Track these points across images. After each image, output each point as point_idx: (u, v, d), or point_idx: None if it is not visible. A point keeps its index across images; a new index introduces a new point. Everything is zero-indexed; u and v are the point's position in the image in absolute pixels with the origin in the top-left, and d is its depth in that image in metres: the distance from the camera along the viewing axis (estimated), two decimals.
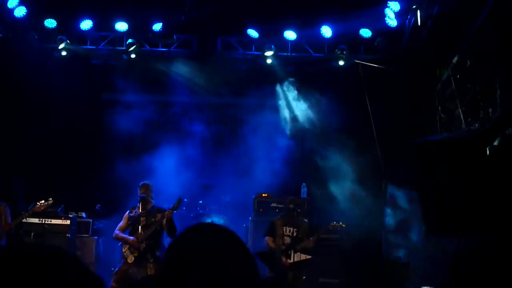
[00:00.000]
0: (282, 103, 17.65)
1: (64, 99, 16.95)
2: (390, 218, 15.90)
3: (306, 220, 14.16)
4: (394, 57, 16.19)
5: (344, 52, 16.62)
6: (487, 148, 8.88)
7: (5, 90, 16.91)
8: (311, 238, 13.55)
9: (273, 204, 15.70)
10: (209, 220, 15.47)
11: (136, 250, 12.43)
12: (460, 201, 8.94)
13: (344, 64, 16.74)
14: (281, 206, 15.50)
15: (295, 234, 13.60)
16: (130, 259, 12.38)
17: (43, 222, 15.24)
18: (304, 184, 16.35)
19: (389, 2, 15.39)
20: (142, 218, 12.59)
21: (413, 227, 15.10)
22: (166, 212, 12.28)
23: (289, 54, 16.96)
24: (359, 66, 16.27)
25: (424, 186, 9.86)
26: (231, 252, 2.42)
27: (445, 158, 9.38)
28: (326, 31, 16.33)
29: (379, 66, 16.18)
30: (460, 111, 12.26)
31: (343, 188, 16.53)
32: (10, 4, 16.08)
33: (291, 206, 13.84)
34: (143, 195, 12.68)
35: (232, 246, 2.45)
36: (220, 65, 17.11)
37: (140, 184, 12.94)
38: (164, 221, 12.23)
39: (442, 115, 13.83)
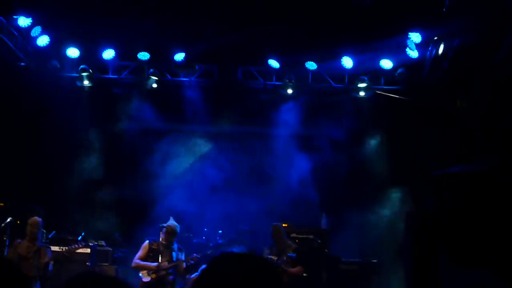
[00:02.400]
0: (300, 131, 17.89)
1: (85, 127, 17.31)
2: None
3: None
4: (415, 88, 16.46)
5: (365, 83, 16.88)
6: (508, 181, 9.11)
7: (27, 119, 17.29)
8: None
9: (293, 234, 15.90)
10: (229, 250, 15.64)
11: (155, 273, 12.84)
12: (483, 233, 9.16)
13: (365, 94, 17.06)
14: (301, 236, 15.66)
15: None
16: (147, 278, 12.82)
17: (63, 250, 15.47)
18: (324, 214, 16.57)
19: (410, 33, 15.70)
20: (164, 251, 13.08)
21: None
22: (184, 266, 13.05)
23: (309, 84, 17.19)
24: (380, 97, 16.58)
25: (445, 217, 10.08)
26: (259, 276, 2.42)
27: (466, 190, 9.61)
28: (347, 62, 16.71)
29: (400, 96, 16.47)
30: (481, 141, 12.51)
31: (363, 219, 16.74)
32: (33, 33, 16.52)
33: None
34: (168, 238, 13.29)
35: (260, 271, 2.45)
36: (241, 95, 17.43)
37: (165, 226, 13.44)
38: (182, 270, 12.93)
39: (463, 146, 14.09)
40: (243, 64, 17.53)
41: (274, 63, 17.04)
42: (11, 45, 16.60)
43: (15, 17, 16.33)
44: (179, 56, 16.97)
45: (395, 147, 16.80)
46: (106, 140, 18.05)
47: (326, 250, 15.22)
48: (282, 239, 14.01)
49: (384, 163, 17.08)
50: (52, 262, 13.48)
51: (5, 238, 15.42)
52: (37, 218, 13.46)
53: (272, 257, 13.90)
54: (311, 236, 14.78)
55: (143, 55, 17.08)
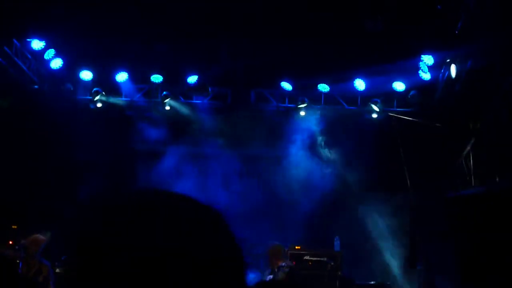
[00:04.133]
0: (314, 155, 18.17)
1: (98, 150, 17.62)
2: None
3: None
4: (427, 110, 16.75)
5: (377, 105, 17.18)
6: None
7: (39, 142, 17.57)
8: None
9: (306, 257, 16.09)
10: None
11: None
12: (496, 252, 9.43)
13: (377, 117, 17.36)
14: (314, 259, 15.82)
15: None
16: None
17: None
18: (337, 237, 16.79)
19: (422, 55, 16.01)
20: None
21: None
22: None
23: (322, 106, 17.52)
24: (392, 119, 16.84)
25: (459, 237, 10.36)
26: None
27: (479, 212, 9.88)
28: (360, 84, 17.02)
29: (412, 119, 16.72)
30: (494, 162, 12.80)
31: (375, 241, 16.95)
32: (46, 56, 16.90)
33: None
34: None
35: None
36: (253, 117, 17.76)
37: None
38: None
39: (475, 168, 14.37)
40: (256, 87, 17.83)
41: (287, 86, 17.42)
42: (24, 68, 17.03)
43: (28, 40, 16.70)
44: (192, 79, 17.30)
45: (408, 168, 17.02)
46: (118, 161, 18.34)
47: (339, 273, 15.44)
48: (278, 259, 14.09)
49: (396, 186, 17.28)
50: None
51: (18, 261, 15.72)
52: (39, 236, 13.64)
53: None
54: (325, 259, 15.04)
55: (156, 78, 17.42)
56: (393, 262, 17.14)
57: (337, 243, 16.97)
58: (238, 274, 1.61)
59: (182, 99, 18.19)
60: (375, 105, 17.47)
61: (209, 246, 1.54)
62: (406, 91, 17.13)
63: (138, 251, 1.44)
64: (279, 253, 14.01)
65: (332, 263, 14.99)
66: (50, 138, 17.78)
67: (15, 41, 16.46)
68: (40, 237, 13.75)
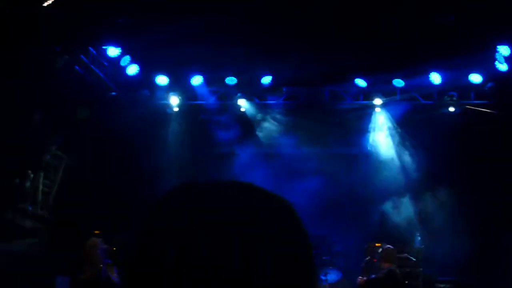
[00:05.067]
0: (390, 151, 18.13)
1: (176, 153, 17.91)
2: None
3: None
4: (506, 102, 16.58)
5: (454, 98, 17.06)
6: None
7: (118, 148, 17.91)
8: None
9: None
10: (322, 274, 15.85)
11: None
12: None
13: (454, 110, 17.23)
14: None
15: None
16: None
17: None
18: (418, 233, 16.73)
19: (498, 46, 15.86)
20: None
21: None
22: None
23: (398, 102, 17.48)
24: (470, 112, 16.75)
25: None
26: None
27: None
28: (435, 78, 16.91)
29: (491, 111, 16.60)
30: None
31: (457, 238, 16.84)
32: (122, 63, 17.21)
33: None
34: None
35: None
36: (328, 115, 17.84)
37: None
38: None
39: None
40: (329, 85, 17.88)
41: (361, 82, 17.47)
42: (101, 75, 17.39)
43: (104, 47, 17.03)
44: (266, 80, 17.46)
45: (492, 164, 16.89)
46: (195, 164, 18.56)
47: (421, 269, 15.42)
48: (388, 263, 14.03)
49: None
50: None
51: (101, 266, 16.05)
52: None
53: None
54: (405, 255, 15.03)
55: (231, 80, 17.64)
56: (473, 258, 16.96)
57: (417, 239, 16.93)
58: (308, 269, 1.53)
59: (257, 100, 18.37)
60: (452, 98, 17.32)
61: (282, 238, 1.49)
62: (483, 83, 16.96)
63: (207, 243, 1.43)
64: (390, 256, 14.00)
65: (414, 260, 14.94)
66: (128, 143, 18.08)
67: (91, 49, 16.83)
68: (96, 240, 13.97)
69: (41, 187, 16.76)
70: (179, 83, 18.09)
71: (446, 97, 17.48)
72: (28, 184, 16.06)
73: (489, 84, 16.94)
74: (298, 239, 1.53)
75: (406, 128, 18.24)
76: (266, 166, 18.61)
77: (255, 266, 1.41)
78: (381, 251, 13.86)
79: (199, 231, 1.44)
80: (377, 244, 16.36)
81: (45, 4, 13.98)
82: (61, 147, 17.12)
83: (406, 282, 14.52)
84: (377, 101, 17.74)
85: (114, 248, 15.94)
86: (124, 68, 17.54)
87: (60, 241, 16.16)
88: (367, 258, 15.23)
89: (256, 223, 1.47)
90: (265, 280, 1.40)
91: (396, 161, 18.40)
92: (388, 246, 13.97)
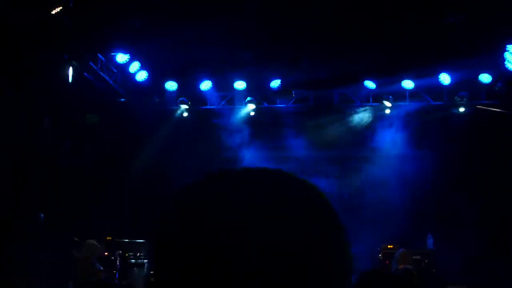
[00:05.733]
0: (401, 152, 18.10)
1: (186, 158, 17.92)
2: None
3: None
4: None
5: (464, 99, 17.04)
6: None
7: (128, 153, 17.93)
8: None
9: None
10: None
11: None
12: None
13: (464, 110, 17.21)
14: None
15: None
16: None
17: None
18: (430, 234, 16.68)
19: (507, 46, 15.82)
20: None
21: None
22: None
23: (407, 103, 17.48)
24: (481, 112, 16.72)
25: None
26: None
27: None
28: (445, 78, 16.90)
29: (501, 110, 16.57)
30: None
31: (469, 239, 16.79)
32: (131, 69, 17.21)
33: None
34: None
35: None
36: (337, 118, 17.85)
37: None
38: None
39: None
40: (338, 87, 17.88)
41: (370, 84, 17.46)
42: (111, 82, 17.42)
43: (113, 54, 17.08)
44: (275, 83, 17.49)
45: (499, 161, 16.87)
46: (207, 169, 18.49)
47: (434, 270, 15.38)
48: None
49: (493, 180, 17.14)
50: None
51: (114, 272, 16.16)
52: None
53: None
54: (418, 257, 14.97)
55: (240, 84, 17.66)
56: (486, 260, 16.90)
57: (430, 241, 16.88)
58: (344, 256, 1.49)
59: (266, 104, 18.38)
60: (462, 98, 17.29)
61: (315, 222, 1.45)
62: (493, 83, 16.94)
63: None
64: (406, 258, 13.93)
65: (426, 261, 14.90)
66: (138, 149, 18.14)
67: (100, 56, 16.88)
68: (93, 242, 13.99)
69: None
70: (188, 89, 18.15)
71: (456, 97, 17.43)
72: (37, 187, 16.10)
73: (499, 84, 16.90)
74: (330, 223, 1.48)
75: (416, 129, 18.16)
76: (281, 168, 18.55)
77: (288, 252, 1.37)
78: (397, 254, 13.81)
79: (230, 219, 1.40)
80: (389, 246, 16.34)
81: (54, 11, 14.04)
82: (71, 152, 17.14)
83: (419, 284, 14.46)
84: (387, 103, 17.68)
85: (127, 254, 16.11)
86: (133, 74, 17.57)
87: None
88: (380, 260, 15.23)
89: (288, 209, 1.43)
90: (298, 263, 1.37)
91: (407, 163, 18.32)
92: (403, 249, 13.90)
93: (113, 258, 15.90)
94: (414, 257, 14.83)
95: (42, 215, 16.04)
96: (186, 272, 1.38)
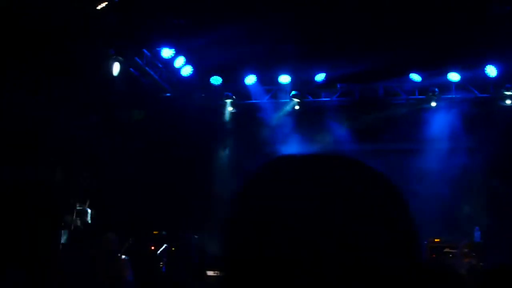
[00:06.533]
0: (448, 146, 17.94)
1: (233, 154, 17.98)
2: None
3: None
4: None
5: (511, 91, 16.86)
6: None
7: (174, 149, 18.03)
8: None
9: (447, 249, 15.90)
10: None
11: None
12: None
13: (511, 103, 17.00)
14: (455, 251, 15.62)
15: None
16: None
17: (218, 274, 15.97)
18: (477, 227, 16.51)
19: None
20: None
21: None
22: None
23: (453, 96, 17.32)
24: None
25: None
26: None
27: None
28: (491, 71, 16.75)
29: None
30: None
31: None
32: (176, 64, 17.28)
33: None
34: None
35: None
36: (383, 111, 17.75)
37: None
38: None
39: None
40: (384, 81, 17.79)
41: (416, 77, 17.41)
42: (156, 77, 17.58)
43: (158, 49, 17.17)
44: (320, 77, 17.45)
45: None
46: (253, 164, 18.53)
47: (481, 264, 15.21)
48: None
49: None
50: None
51: (161, 265, 16.28)
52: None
53: None
54: (466, 250, 14.83)
55: (284, 78, 17.64)
56: None
57: (477, 234, 16.74)
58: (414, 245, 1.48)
59: (311, 98, 18.35)
60: (509, 91, 17.07)
61: (384, 212, 1.44)
62: None
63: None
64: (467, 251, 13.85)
65: (474, 255, 14.75)
66: (184, 144, 18.21)
67: (145, 51, 16.99)
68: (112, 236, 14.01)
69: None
70: (233, 83, 18.22)
71: (503, 89, 17.22)
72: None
73: None
74: (399, 213, 1.49)
75: (463, 122, 17.96)
76: None
77: (356, 242, 1.36)
78: (460, 246, 13.87)
79: (296, 206, 1.39)
80: (436, 240, 16.24)
81: (99, 7, 14.18)
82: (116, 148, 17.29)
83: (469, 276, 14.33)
84: (433, 95, 17.53)
85: (173, 249, 16.24)
86: (178, 69, 17.66)
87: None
88: (427, 253, 15.12)
89: (356, 197, 1.42)
90: (365, 254, 1.36)
91: (454, 156, 18.15)
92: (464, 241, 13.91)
93: (159, 253, 16.06)
94: (464, 250, 14.74)
95: (90, 211, 16.22)
96: (262, 263, 1.37)
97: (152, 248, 17.04)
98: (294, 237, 1.36)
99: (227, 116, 18.86)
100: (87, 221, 16.05)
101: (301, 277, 1.33)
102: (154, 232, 17.32)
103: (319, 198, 1.39)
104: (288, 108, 18.53)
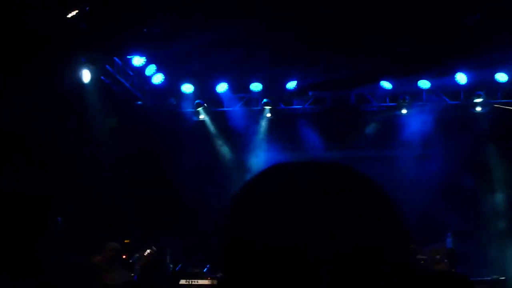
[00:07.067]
0: (419, 153, 18.03)
1: (203, 161, 17.93)
2: None
3: None
4: None
5: (481, 98, 16.97)
6: None
7: (145, 157, 17.96)
8: None
9: (419, 255, 15.97)
10: None
11: None
12: None
13: (481, 110, 17.15)
14: (426, 257, 15.69)
15: None
16: None
17: (190, 283, 15.94)
18: (449, 233, 16.62)
19: None
20: None
21: None
22: None
23: (424, 103, 17.43)
24: (498, 111, 16.66)
25: None
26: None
27: None
28: (461, 78, 16.86)
29: None
30: None
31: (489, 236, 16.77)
32: (148, 72, 17.23)
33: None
34: None
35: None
36: (355, 119, 17.82)
37: None
38: None
39: None
40: (355, 88, 17.88)
41: (386, 85, 17.43)
42: (127, 85, 17.45)
43: (129, 57, 17.10)
44: (291, 84, 17.48)
45: None
46: (230, 171, 18.56)
47: (453, 270, 15.28)
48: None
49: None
50: None
51: (132, 274, 16.11)
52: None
53: None
54: (438, 256, 14.89)
55: (256, 86, 17.65)
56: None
57: (449, 240, 16.85)
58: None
59: (282, 105, 18.35)
60: (479, 98, 17.21)
61: (377, 220, 1.48)
62: (510, 81, 16.84)
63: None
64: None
65: (446, 260, 14.81)
66: (155, 152, 18.15)
67: (116, 59, 16.90)
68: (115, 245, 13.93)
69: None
70: (204, 91, 18.17)
71: (473, 96, 17.36)
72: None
73: None
74: (390, 214, 1.54)
75: (434, 129, 18.07)
76: None
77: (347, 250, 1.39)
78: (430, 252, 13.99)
79: (292, 214, 1.41)
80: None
81: (70, 15, 14.09)
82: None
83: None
84: (404, 103, 17.63)
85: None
86: (149, 77, 17.60)
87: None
88: None
89: (348, 199, 1.46)
90: (360, 255, 1.39)
91: (425, 163, 18.24)
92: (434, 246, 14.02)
93: (131, 262, 15.93)
94: (435, 257, 14.81)
95: (60, 219, 16.05)
96: (259, 265, 1.40)
97: (124, 257, 16.94)
98: (290, 239, 1.38)
99: (197, 123, 18.78)
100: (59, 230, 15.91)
101: (297, 279, 1.37)
102: (126, 241, 17.21)
103: (314, 201, 1.42)
104: (260, 115, 18.49)
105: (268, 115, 18.39)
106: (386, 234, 1.45)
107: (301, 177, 1.52)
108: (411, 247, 1.53)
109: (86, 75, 15.71)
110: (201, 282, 16.20)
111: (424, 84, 17.50)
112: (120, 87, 17.49)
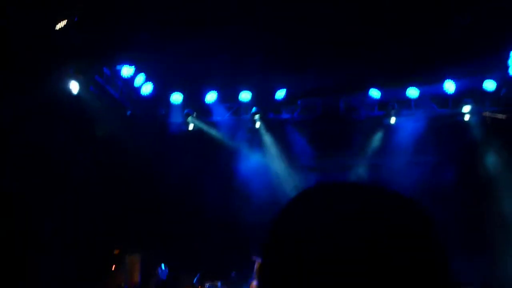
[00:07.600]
0: (407, 160, 18.08)
1: (194, 170, 17.91)
2: None
3: None
4: None
5: (470, 106, 17.02)
6: None
7: (135, 166, 17.93)
8: None
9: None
10: None
11: None
12: None
13: (470, 117, 17.18)
14: None
15: None
16: None
17: None
18: None
19: (511, 52, 15.80)
20: None
21: None
22: None
23: (413, 111, 17.49)
24: (486, 119, 16.72)
25: None
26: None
27: None
28: (449, 86, 16.90)
29: (507, 116, 16.57)
30: None
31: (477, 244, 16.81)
32: (137, 82, 17.21)
33: None
34: None
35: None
36: (344, 127, 17.84)
37: None
38: None
39: None
40: (344, 97, 17.92)
41: (375, 93, 17.44)
42: (116, 95, 17.41)
43: (118, 67, 17.05)
44: (280, 93, 17.49)
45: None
46: (215, 182, 18.55)
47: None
48: None
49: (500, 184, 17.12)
50: None
51: (123, 285, 16.15)
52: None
53: None
54: None
55: (245, 96, 17.65)
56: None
57: None
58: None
59: (272, 114, 18.35)
60: (467, 106, 17.26)
61: (416, 245, 1.43)
62: (498, 89, 16.90)
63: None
64: None
65: None
66: (145, 161, 18.12)
67: (105, 69, 16.87)
68: (136, 256, 14.06)
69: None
70: (193, 101, 18.14)
71: (461, 104, 17.42)
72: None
73: (504, 90, 16.87)
74: (431, 248, 1.47)
75: (423, 137, 18.11)
76: (288, 179, 18.65)
77: (387, 272, 1.35)
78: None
79: (334, 234, 1.39)
80: None
81: (58, 26, 14.06)
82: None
83: None
84: (392, 111, 17.67)
85: None
86: (138, 87, 17.57)
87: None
88: None
89: (392, 228, 1.42)
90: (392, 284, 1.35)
91: (413, 171, 18.27)
92: None
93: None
94: None
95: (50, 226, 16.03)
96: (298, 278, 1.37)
97: (113, 267, 16.94)
98: (333, 260, 1.36)
99: (186, 132, 18.75)
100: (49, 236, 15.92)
101: None
102: (115, 252, 17.21)
103: (356, 224, 1.40)
104: (249, 124, 18.50)
105: (257, 124, 18.38)
106: (433, 256, 1.42)
107: (346, 198, 1.49)
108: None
109: (74, 86, 15.63)
110: None
111: (412, 92, 17.55)
112: (109, 97, 17.44)
